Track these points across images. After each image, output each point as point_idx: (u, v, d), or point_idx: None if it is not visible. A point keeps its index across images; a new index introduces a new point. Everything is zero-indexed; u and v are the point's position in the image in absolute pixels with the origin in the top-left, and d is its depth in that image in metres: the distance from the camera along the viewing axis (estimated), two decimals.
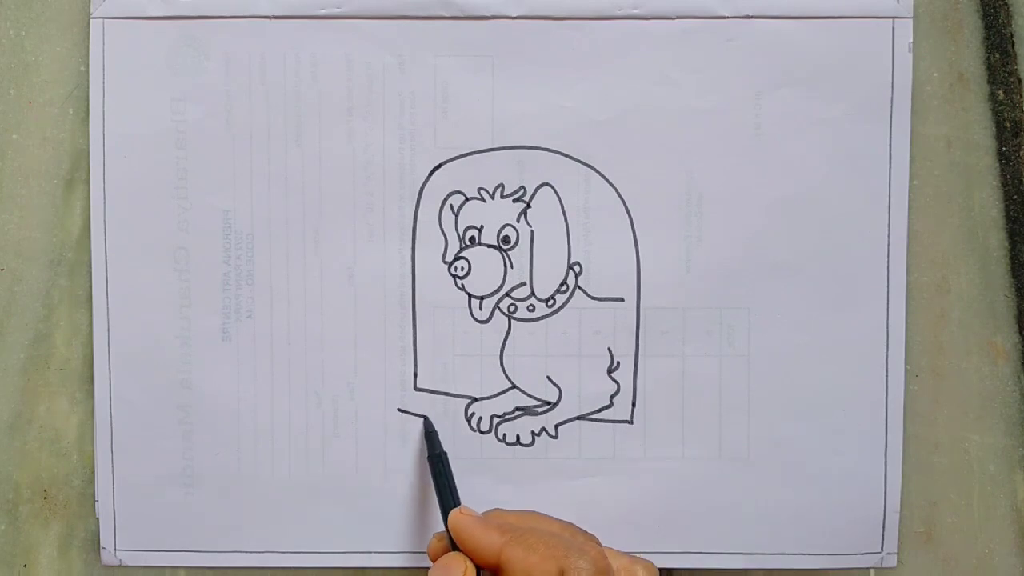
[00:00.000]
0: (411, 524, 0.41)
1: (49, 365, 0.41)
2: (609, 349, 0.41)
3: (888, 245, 0.40)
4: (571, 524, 0.37)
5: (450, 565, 0.35)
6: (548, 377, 0.41)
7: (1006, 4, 0.41)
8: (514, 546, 0.34)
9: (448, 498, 0.38)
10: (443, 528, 0.37)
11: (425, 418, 0.40)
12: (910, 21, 0.40)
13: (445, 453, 0.39)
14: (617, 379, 0.41)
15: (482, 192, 0.40)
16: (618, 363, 0.41)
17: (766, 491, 0.41)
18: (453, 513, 0.36)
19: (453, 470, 0.39)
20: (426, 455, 0.40)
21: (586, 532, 0.37)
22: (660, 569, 0.41)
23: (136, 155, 0.40)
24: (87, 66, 0.40)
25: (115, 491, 0.41)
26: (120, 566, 0.41)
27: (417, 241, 0.40)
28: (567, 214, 0.40)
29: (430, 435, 0.40)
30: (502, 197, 0.40)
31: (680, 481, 0.41)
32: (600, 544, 0.36)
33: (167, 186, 0.40)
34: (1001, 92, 0.41)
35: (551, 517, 0.37)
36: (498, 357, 0.41)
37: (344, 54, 0.40)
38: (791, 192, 0.40)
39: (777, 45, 0.40)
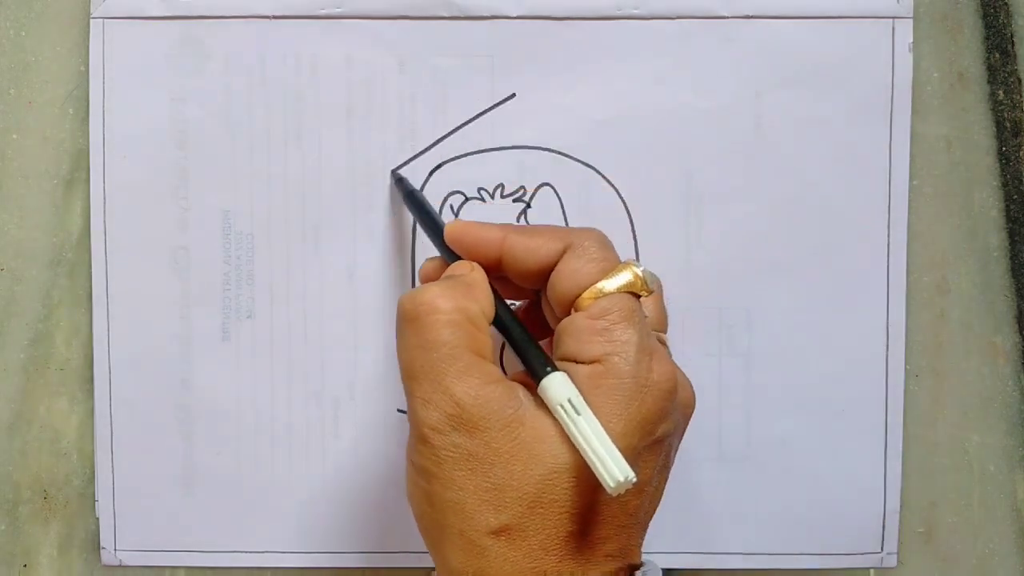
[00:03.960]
0: (411, 524, 0.41)
1: (49, 365, 0.41)
2: None
3: (888, 245, 0.40)
4: None
5: (455, 266, 0.33)
6: None
7: (1006, 4, 0.41)
8: (516, 234, 0.33)
9: (435, 224, 0.36)
10: None
11: (392, 171, 0.40)
12: (910, 21, 0.40)
13: (416, 189, 0.38)
14: None
15: (482, 192, 0.40)
16: None
17: (766, 491, 0.41)
18: (450, 222, 0.34)
19: None
20: (401, 200, 0.39)
21: None
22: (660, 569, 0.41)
23: (136, 155, 0.40)
24: (87, 66, 0.40)
25: (115, 491, 0.41)
26: (120, 566, 0.41)
27: (417, 241, 0.40)
28: (567, 214, 0.40)
29: (399, 179, 0.39)
30: (502, 197, 0.40)
31: (679, 481, 0.40)
32: None
33: (167, 186, 0.40)
34: (1001, 92, 0.41)
35: None
36: (498, 357, 0.41)
37: (344, 54, 0.40)
38: (791, 192, 0.40)
39: (777, 45, 0.40)
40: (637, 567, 0.31)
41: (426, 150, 0.40)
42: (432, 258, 0.35)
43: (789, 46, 0.40)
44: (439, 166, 0.40)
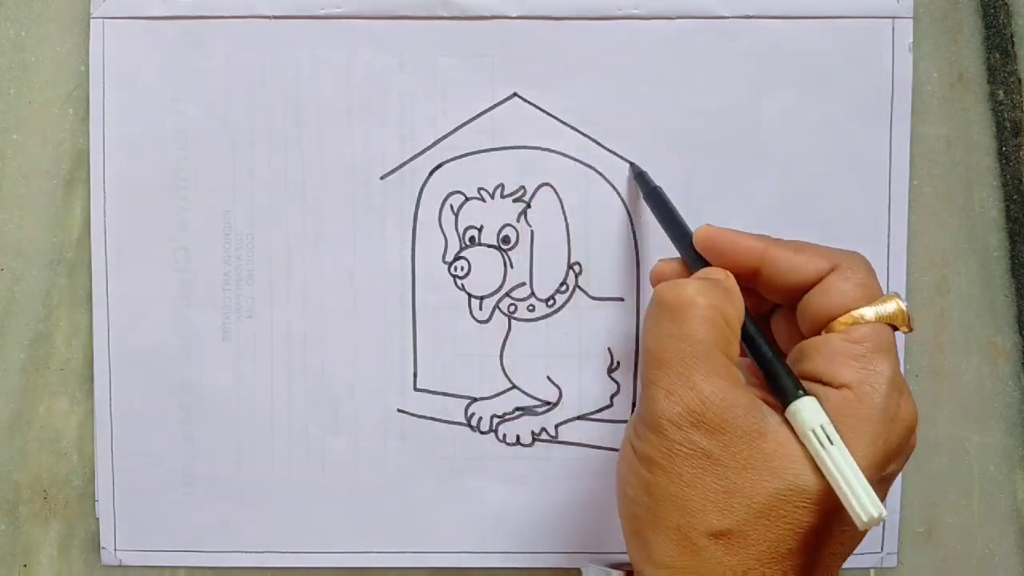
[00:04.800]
0: (411, 524, 0.41)
1: (49, 365, 0.41)
2: (609, 349, 0.41)
3: (888, 245, 0.40)
4: None
5: (711, 271, 0.33)
6: (548, 377, 0.41)
7: (1006, 4, 0.41)
8: (779, 248, 0.32)
9: (679, 225, 0.36)
10: None
11: (630, 163, 0.39)
12: (910, 21, 0.40)
13: (659, 187, 0.38)
14: (617, 379, 0.41)
15: (482, 192, 0.40)
16: (618, 363, 0.41)
17: None
18: (702, 227, 0.34)
19: (454, 470, 0.39)
20: (641, 196, 0.38)
21: None
22: None
23: (136, 155, 0.40)
24: (87, 66, 0.40)
25: (115, 491, 0.41)
26: (120, 566, 0.41)
27: (417, 241, 0.40)
28: (567, 214, 0.40)
29: (640, 174, 0.39)
30: (502, 197, 0.40)
31: None
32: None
33: (167, 186, 0.40)
34: (1001, 92, 0.41)
35: None
36: (498, 357, 0.41)
37: (344, 54, 0.40)
38: (791, 192, 0.40)
39: (777, 45, 0.40)
40: None
41: (426, 150, 0.40)
42: (667, 259, 0.36)
43: (789, 46, 0.40)
44: (439, 166, 0.40)
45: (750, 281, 0.33)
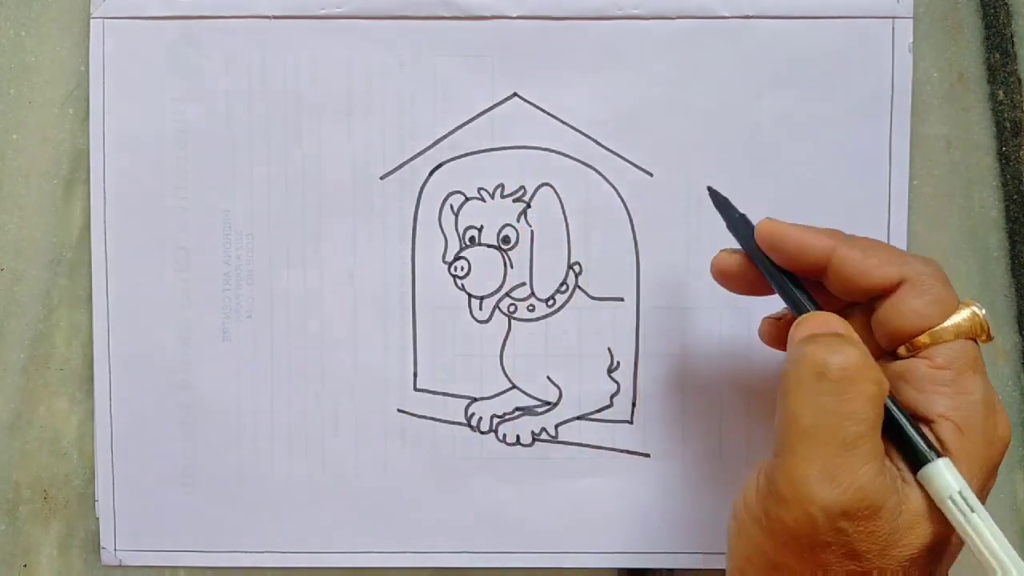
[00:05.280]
0: (411, 524, 0.41)
1: (49, 365, 0.41)
2: (609, 349, 0.41)
3: None
4: None
5: (831, 319, 0.30)
6: (548, 377, 0.41)
7: (1006, 4, 0.41)
8: (848, 248, 0.31)
9: (744, 221, 0.34)
10: None
11: (708, 188, 0.35)
12: (910, 21, 0.40)
13: (744, 214, 0.35)
14: (617, 379, 0.41)
15: (482, 192, 0.40)
16: (618, 363, 0.41)
17: None
18: (763, 221, 0.32)
19: (454, 470, 0.39)
20: (728, 224, 0.35)
21: None
22: (659, 569, 0.41)
23: (136, 155, 0.40)
24: (87, 66, 0.40)
25: (115, 491, 0.41)
26: (120, 566, 0.41)
27: (417, 241, 0.40)
28: (567, 214, 0.40)
29: (722, 201, 0.35)
30: (502, 197, 0.40)
31: (680, 481, 0.41)
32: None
33: (167, 186, 0.40)
34: (1001, 92, 0.41)
35: None
36: (498, 357, 0.41)
37: (344, 54, 0.40)
38: (791, 192, 0.40)
39: (777, 45, 0.40)
40: None
41: (426, 150, 0.40)
42: (730, 250, 0.34)
43: (789, 46, 0.40)
44: (439, 166, 0.40)
45: (815, 277, 0.32)
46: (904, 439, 0.29)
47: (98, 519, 0.41)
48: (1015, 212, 0.41)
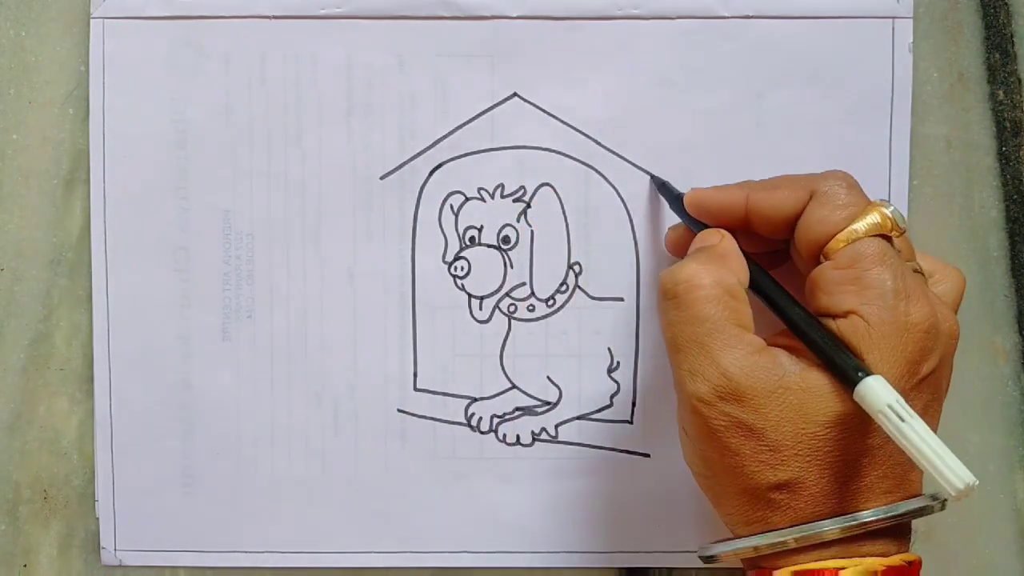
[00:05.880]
0: (411, 524, 0.41)
1: (49, 365, 0.41)
2: (609, 349, 0.41)
3: None
4: None
5: (704, 236, 0.34)
6: (548, 377, 0.41)
7: (1006, 4, 0.41)
8: (758, 191, 0.33)
9: (675, 193, 0.37)
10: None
11: (651, 175, 0.39)
12: (910, 21, 0.40)
13: (680, 193, 0.37)
14: (617, 379, 0.41)
15: (482, 192, 0.40)
16: (618, 363, 0.41)
17: None
18: (689, 191, 0.36)
19: (454, 470, 0.39)
20: (670, 204, 0.38)
21: None
22: (659, 569, 0.41)
23: (136, 155, 0.40)
24: (87, 66, 0.40)
25: (115, 491, 0.41)
26: (120, 566, 0.41)
27: (417, 241, 0.40)
28: (567, 214, 0.40)
29: (663, 184, 0.39)
30: (502, 197, 0.40)
31: (680, 481, 0.40)
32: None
33: (167, 186, 0.40)
34: (1001, 92, 0.41)
35: None
36: (498, 357, 0.41)
37: (344, 54, 0.40)
38: None
39: (777, 45, 0.40)
40: (916, 495, 0.31)
41: (426, 150, 0.40)
42: (675, 226, 0.38)
43: (789, 46, 0.40)
44: (439, 166, 0.40)
45: (746, 229, 0.34)
46: (828, 361, 0.30)
47: (98, 519, 0.41)
48: (1015, 212, 0.41)
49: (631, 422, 0.41)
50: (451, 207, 0.40)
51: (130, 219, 0.40)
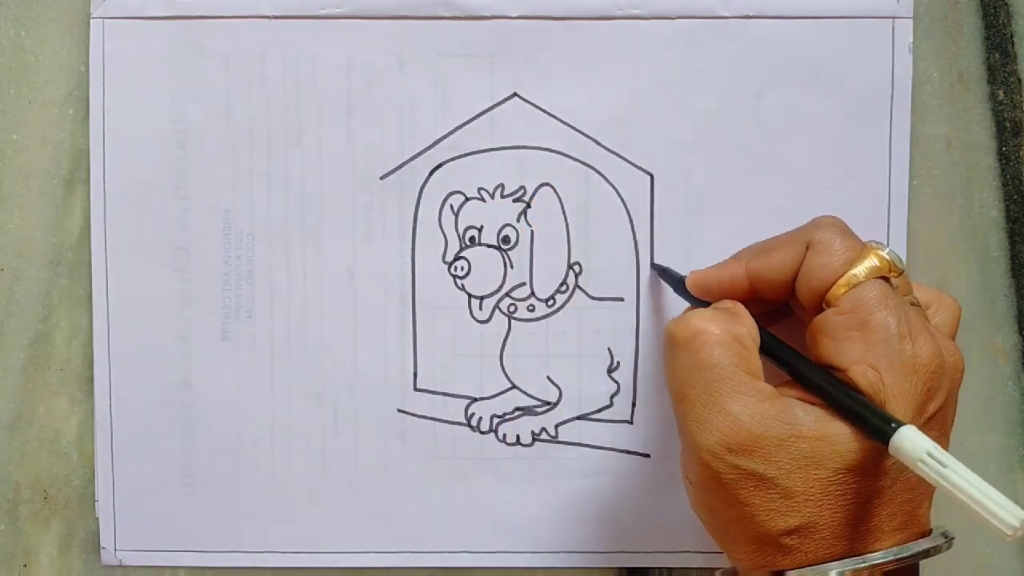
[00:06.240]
0: (411, 524, 0.41)
1: (49, 365, 0.41)
2: (609, 349, 0.41)
3: (888, 245, 0.40)
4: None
5: (718, 304, 0.34)
6: (548, 377, 0.41)
7: (1006, 4, 0.41)
8: (755, 258, 0.33)
9: (678, 279, 0.37)
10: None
11: (652, 263, 0.40)
12: (910, 21, 0.40)
13: (681, 276, 0.37)
14: (617, 379, 0.41)
15: (482, 192, 0.40)
16: (618, 363, 0.41)
17: None
18: (689, 275, 0.36)
19: (454, 470, 0.39)
20: (673, 288, 0.38)
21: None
22: (659, 569, 0.41)
23: (136, 155, 0.40)
24: (87, 66, 0.40)
25: (115, 491, 0.41)
26: (120, 566, 0.41)
27: (417, 241, 0.40)
28: (567, 214, 0.40)
29: (664, 270, 0.39)
30: (502, 197, 0.40)
31: (680, 481, 0.40)
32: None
33: (167, 186, 0.40)
34: (1001, 92, 0.41)
35: None
36: (498, 357, 0.41)
37: (344, 54, 0.40)
38: (791, 192, 0.40)
39: (777, 45, 0.40)
40: (926, 533, 0.31)
41: (426, 150, 0.40)
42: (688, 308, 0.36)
43: (789, 46, 0.40)
44: (439, 166, 0.40)
45: (754, 297, 0.34)
46: (856, 417, 0.30)
47: (98, 519, 0.41)
48: (1015, 212, 0.41)
49: (631, 422, 0.41)
50: (451, 207, 0.40)
51: (130, 219, 0.40)
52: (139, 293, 0.40)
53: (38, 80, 0.41)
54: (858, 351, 0.30)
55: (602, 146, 0.40)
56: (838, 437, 0.29)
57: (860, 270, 0.31)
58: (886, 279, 0.31)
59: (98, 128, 0.40)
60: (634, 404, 0.41)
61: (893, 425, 0.28)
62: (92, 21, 0.40)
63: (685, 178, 0.40)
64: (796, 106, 0.40)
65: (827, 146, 0.40)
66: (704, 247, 0.40)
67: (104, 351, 0.40)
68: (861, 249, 0.32)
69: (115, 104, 0.40)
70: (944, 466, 0.27)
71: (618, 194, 0.40)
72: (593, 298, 0.40)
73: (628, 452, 0.41)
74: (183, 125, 0.40)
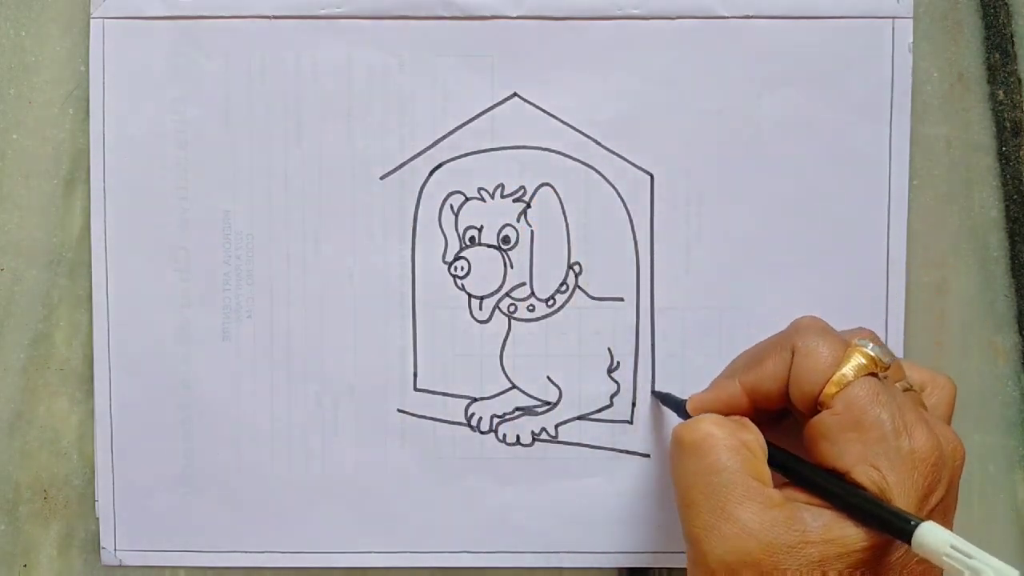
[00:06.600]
0: (411, 524, 0.41)
1: (49, 365, 0.41)
2: (609, 349, 0.41)
3: (888, 245, 0.40)
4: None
5: (738, 423, 0.33)
6: (548, 377, 0.41)
7: (1006, 4, 0.41)
8: (747, 375, 0.34)
9: (681, 409, 0.37)
10: None
11: (653, 391, 0.40)
12: (910, 21, 0.40)
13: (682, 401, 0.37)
14: (617, 379, 0.41)
15: (482, 192, 0.40)
16: (618, 363, 0.41)
17: None
18: (688, 402, 0.36)
19: (454, 471, 0.39)
20: (676, 413, 0.38)
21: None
22: (659, 569, 0.41)
23: (136, 155, 0.40)
24: (87, 66, 0.40)
25: (115, 491, 0.41)
26: (120, 566, 0.41)
27: (417, 241, 0.40)
28: (567, 214, 0.40)
29: (665, 396, 0.39)
30: (502, 197, 0.40)
31: None
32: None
33: (167, 186, 0.40)
34: (1001, 92, 0.41)
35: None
36: (498, 357, 0.41)
37: (344, 54, 0.40)
38: (791, 192, 0.40)
39: (777, 45, 0.40)
40: None
41: (426, 150, 0.40)
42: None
43: (789, 46, 0.40)
44: (439, 166, 0.40)
45: (751, 412, 0.34)
46: (875, 518, 0.30)
47: (98, 519, 0.41)
48: (1015, 212, 0.41)
49: (631, 422, 0.41)
50: (451, 207, 0.40)
51: (130, 219, 0.40)
52: (139, 293, 0.40)
53: (38, 80, 0.41)
54: (857, 452, 0.30)
55: (602, 146, 0.40)
56: (847, 539, 0.29)
57: (848, 370, 0.31)
58: (875, 374, 0.31)
59: (98, 128, 0.40)
60: (634, 404, 0.41)
61: (913, 523, 0.28)
62: (92, 21, 0.40)
63: (685, 178, 0.40)
64: (796, 106, 0.40)
65: (827, 146, 0.40)
66: (704, 247, 0.40)
67: (104, 351, 0.40)
68: (845, 348, 0.32)
69: (115, 104, 0.40)
70: (970, 557, 0.28)
71: (618, 194, 0.40)
72: (593, 298, 0.40)
73: (628, 452, 0.41)
74: (183, 125, 0.40)
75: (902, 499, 0.29)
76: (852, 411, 0.30)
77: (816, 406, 0.32)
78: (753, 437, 0.32)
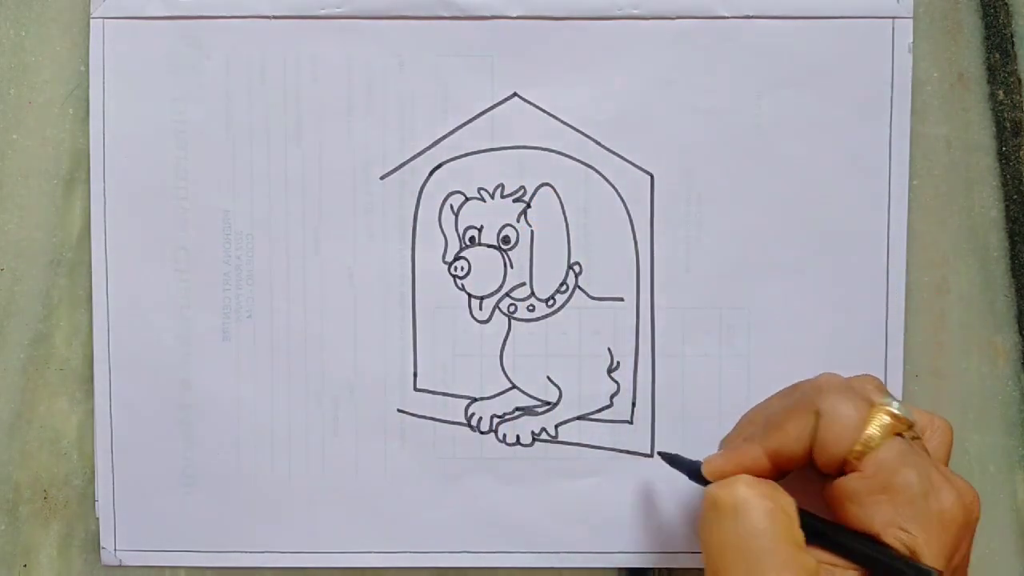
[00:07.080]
0: (411, 524, 0.41)
1: (49, 365, 0.41)
2: (609, 349, 0.41)
3: (888, 245, 0.40)
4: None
5: (771, 486, 0.32)
6: (548, 377, 0.41)
7: (1006, 4, 0.41)
8: (770, 439, 0.33)
9: (697, 474, 0.36)
10: None
11: (660, 453, 0.38)
12: (910, 21, 0.40)
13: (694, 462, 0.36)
14: (617, 379, 0.41)
15: (482, 192, 0.40)
16: (618, 363, 0.41)
17: None
18: (704, 464, 0.34)
19: (454, 471, 0.39)
20: (688, 476, 0.37)
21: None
22: (659, 569, 0.41)
23: (136, 155, 0.40)
24: (87, 66, 0.40)
25: (115, 491, 0.41)
26: (120, 566, 0.41)
27: (417, 241, 0.40)
28: (567, 214, 0.40)
29: (673, 459, 0.37)
30: (502, 197, 0.40)
31: (680, 481, 0.40)
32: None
33: (167, 186, 0.40)
34: (1001, 92, 0.41)
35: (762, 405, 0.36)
36: (498, 357, 0.41)
37: (344, 54, 0.40)
38: (791, 192, 0.40)
39: (777, 45, 0.40)
40: None
41: (426, 150, 0.40)
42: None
43: (789, 46, 0.40)
44: (439, 166, 0.40)
45: (772, 475, 0.33)
46: (895, 572, 0.30)
47: (98, 519, 0.41)
48: (1015, 212, 0.41)
49: (631, 422, 0.41)
50: (451, 207, 0.40)
51: (130, 219, 0.40)
52: (139, 293, 0.40)
53: (38, 80, 0.41)
54: (887, 514, 0.30)
55: (602, 146, 0.40)
56: None
57: (874, 431, 0.31)
58: (900, 434, 0.31)
59: (98, 128, 0.40)
60: (634, 404, 0.41)
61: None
62: (92, 21, 0.40)
63: (685, 178, 0.40)
64: (796, 106, 0.40)
65: (827, 146, 0.40)
66: (704, 247, 0.40)
67: (104, 351, 0.40)
68: (869, 408, 0.31)
69: (115, 104, 0.40)
70: None
71: (618, 194, 0.40)
72: (593, 298, 0.40)
73: (628, 452, 0.41)
74: (183, 125, 0.40)
75: (931, 559, 0.29)
76: (881, 474, 0.30)
77: (840, 470, 0.31)
78: (788, 501, 0.31)
